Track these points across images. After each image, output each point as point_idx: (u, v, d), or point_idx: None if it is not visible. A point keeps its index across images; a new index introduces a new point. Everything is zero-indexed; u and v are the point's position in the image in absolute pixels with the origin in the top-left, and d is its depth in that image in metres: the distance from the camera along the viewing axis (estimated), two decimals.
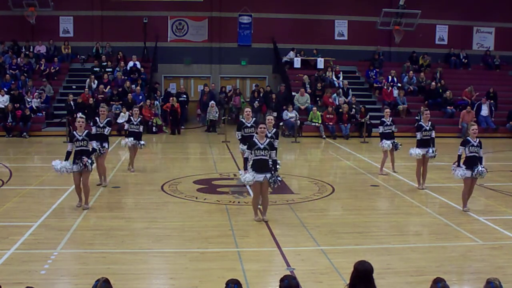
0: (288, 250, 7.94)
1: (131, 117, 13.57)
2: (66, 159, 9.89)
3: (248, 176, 9.11)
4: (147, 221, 9.40)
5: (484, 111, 22.24)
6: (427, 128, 12.04)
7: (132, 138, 13.16)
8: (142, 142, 13.35)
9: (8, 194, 11.08)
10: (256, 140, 9.14)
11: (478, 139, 10.09)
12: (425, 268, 7.28)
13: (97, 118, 11.93)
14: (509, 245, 8.36)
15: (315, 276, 6.99)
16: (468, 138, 10.12)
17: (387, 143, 13.31)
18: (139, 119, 13.47)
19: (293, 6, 25.58)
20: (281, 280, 4.59)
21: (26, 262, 7.28)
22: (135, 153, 13.64)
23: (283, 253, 7.80)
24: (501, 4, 26.69)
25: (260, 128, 9.20)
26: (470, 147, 10.00)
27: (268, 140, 9.18)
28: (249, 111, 11.58)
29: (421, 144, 12.00)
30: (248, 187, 9.66)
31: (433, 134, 12.16)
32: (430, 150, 11.94)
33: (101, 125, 11.80)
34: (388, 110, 14.13)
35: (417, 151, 11.93)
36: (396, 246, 8.25)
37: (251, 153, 9.11)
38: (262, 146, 9.05)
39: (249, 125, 11.30)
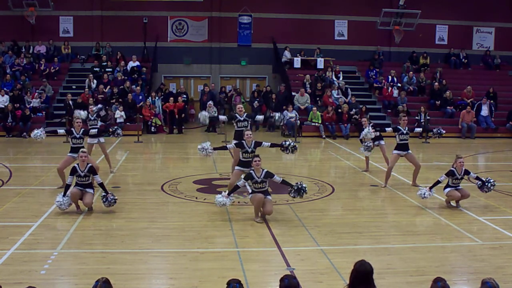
0: (288, 250, 7.94)
1: (73, 129, 11.74)
2: (65, 193, 9.69)
3: (225, 200, 9.19)
4: (147, 221, 9.40)
5: (484, 111, 22.24)
6: (404, 131, 12.16)
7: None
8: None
9: (8, 194, 11.08)
10: (253, 173, 9.27)
11: (463, 171, 10.35)
12: (425, 268, 7.28)
13: (73, 129, 11.53)
14: (509, 245, 8.37)
15: (315, 276, 6.99)
16: (453, 169, 10.36)
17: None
18: (95, 114, 13.50)
19: (293, 6, 25.59)
20: (281, 280, 4.59)
21: (26, 262, 7.28)
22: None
23: (283, 253, 7.80)
24: (501, 4, 26.71)
25: (255, 161, 9.32)
26: (454, 180, 10.35)
27: (264, 172, 9.28)
28: (241, 107, 12.15)
29: (399, 148, 12.21)
30: (248, 187, 9.71)
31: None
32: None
33: (78, 136, 11.45)
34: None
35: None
36: (396, 246, 8.25)
37: (251, 187, 9.30)
38: (259, 180, 9.24)
39: (241, 118, 11.89)
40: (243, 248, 8.06)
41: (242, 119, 11.97)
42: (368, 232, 8.96)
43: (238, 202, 10.72)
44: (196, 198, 11.11)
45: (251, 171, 9.38)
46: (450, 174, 10.33)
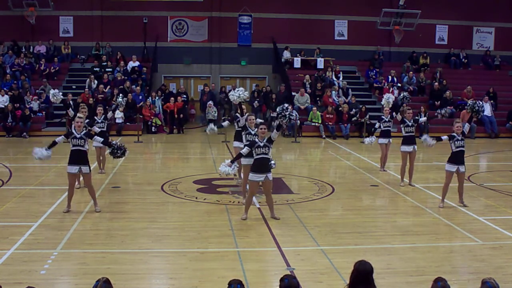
0: (288, 250, 7.94)
1: (95, 117, 12.70)
2: (49, 147, 9.72)
3: (227, 169, 9.08)
4: (147, 221, 9.40)
5: (487, 110, 22.10)
6: (410, 124, 12.34)
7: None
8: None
9: (8, 194, 11.08)
10: (256, 139, 9.29)
11: (461, 136, 10.39)
12: (425, 268, 7.28)
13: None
14: (509, 245, 8.37)
15: (315, 276, 6.99)
16: (453, 134, 10.40)
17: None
18: (103, 116, 12.87)
19: (293, 6, 25.59)
20: (281, 280, 4.59)
21: (26, 262, 7.28)
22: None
23: (283, 253, 7.80)
24: (501, 4, 26.70)
25: (261, 129, 9.29)
26: (456, 142, 10.31)
27: (266, 138, 9.29)
28: (253, 119, 11.12)
29: (405, 141, 12.34)
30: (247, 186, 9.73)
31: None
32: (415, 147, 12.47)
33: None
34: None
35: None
36: (396, 246, 8.25)
37: (253, 152, 9.21)
38: (262, 144, 9.17)
39: (253, 132, 10.77)
40: (243, 248, 8.06)
41: (253, 133, 11.51)
42: (368, 232, 8.96)
43: (238, 202, 10.73)
44: (196, 198, 11.11)
45: (254, 139, 9.38)
46: (450, 138, 10.35)
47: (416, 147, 12.45)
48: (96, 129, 12.31)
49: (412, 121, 12.42)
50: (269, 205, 9.59)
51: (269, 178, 9.25)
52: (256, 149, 9.18)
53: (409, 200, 11.16)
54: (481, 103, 10.93)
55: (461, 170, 10.37)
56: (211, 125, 13.40)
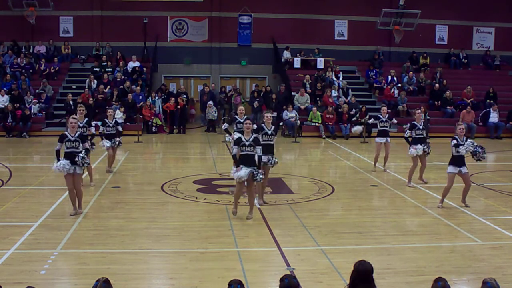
0: (288, 250, 7.94)
1: (106, 120, 13.45)
2: (58, 158, 9.49)
3: (241, 173, 9.32)
4: (147, 221, 9.40)
5: (494, 118, 22.01)
6: (420, 127, 12.26)
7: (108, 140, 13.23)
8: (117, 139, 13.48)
9: (8, 194, 11.08)
10: (242, 137, 9.46)
11: (465, 138, 10.31)
12: (425, 268, 7.28)
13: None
14: (509, 245, 8.36)
15: (315, 276, 6.99)
16: (456, 137, 10.30)
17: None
18: (114, 120, 13.56)
19: (293, 6, 25.60)
20: (281, 280, 4.59)
21: (26, 262, 7.27)
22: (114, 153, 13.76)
23: (283, 253, 7.80)
24: (501, 4, 26.71)
25: (246, 124, 9.55)
26: (459, 147, 10.20)
27: (253, 136, 9.46)
28: (242, 109, 11.97)
29: (415, 142, 12.24)
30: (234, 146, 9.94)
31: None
32: (425, 146, 12.26)
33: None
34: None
35: (418, 149, 12.12)
36: (396, 246, 8.25)
37: (239, 149, 9.47)
38: (247, 143, 9.34)
39: (242, 120, 11.59)
40: (243, 248, 8.05)
41: (242, 120, 11.83)
42: (368, 232, 8.96)
43: (238, 202, 10.71)
44: (196, 198, 11.11)
45: (240, 136, 9.61)
46: (457, 145, 10.17)
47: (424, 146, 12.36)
48: (92, 129, 12.43)
49: (422, 123, 12.35)
50: (249, 203, 9.75)
51: (252, 172, 9.37)
52: (242, 147, 9.40)
53: (409, 200, 11.16)
54: (480, 150, 10.37)
55: (463, 171, 10.31)
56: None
